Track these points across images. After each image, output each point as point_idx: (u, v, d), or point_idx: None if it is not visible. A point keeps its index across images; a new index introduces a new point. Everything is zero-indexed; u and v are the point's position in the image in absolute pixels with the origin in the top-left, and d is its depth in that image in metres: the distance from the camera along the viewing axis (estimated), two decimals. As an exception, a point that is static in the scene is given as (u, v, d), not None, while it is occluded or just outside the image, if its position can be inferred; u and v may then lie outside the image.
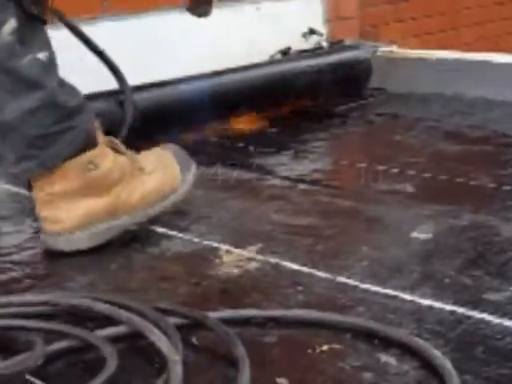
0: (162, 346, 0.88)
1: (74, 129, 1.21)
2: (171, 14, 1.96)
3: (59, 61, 1.40)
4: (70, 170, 1.22)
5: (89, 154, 1.23)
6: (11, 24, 1.15)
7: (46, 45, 1.22)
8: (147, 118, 1.75)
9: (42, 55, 1.19)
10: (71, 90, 1.24)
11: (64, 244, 1.24)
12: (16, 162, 1.21)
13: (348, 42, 2.36)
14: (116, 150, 1.29)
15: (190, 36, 2.02)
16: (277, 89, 2.05)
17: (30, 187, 1.26)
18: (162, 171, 1.33)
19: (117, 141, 1.31)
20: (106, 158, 1.26)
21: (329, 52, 2.27)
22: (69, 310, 1.01)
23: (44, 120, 1.19)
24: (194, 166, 1.40)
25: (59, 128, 1.20)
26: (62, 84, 1.23)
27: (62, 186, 1.22)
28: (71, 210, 1.23)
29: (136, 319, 0.94)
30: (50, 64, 1.21)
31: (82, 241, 1.24)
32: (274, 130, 1.95)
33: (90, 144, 1.24)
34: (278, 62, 2.19)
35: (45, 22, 1.21)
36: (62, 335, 0.95)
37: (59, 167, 1.21)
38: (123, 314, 0.95)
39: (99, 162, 1.24)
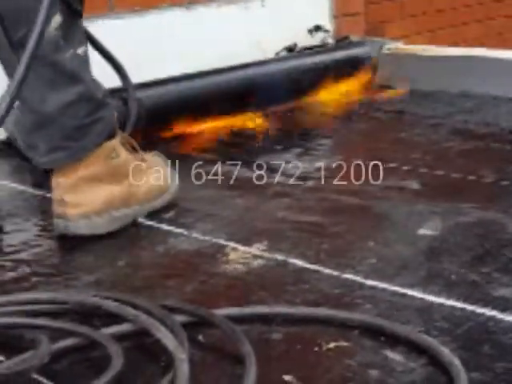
0: (168, 344, 0.87)
1: (103, 120, 1.28)
2: (175, 11, 1.95)
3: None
4: (96, 156, 1.27)
5: (114, 141, 1.30)
6: (57, 19, 1.20)
7: (84, 40, 1.28)
8: (152, 115, 1.75)
9: (81, 50, 1.25)
10: (97, 83, 1.30)
11: (85, 228, 1.26)
12: (47, 153, 1.26)
13: (354, 38, 2.35)
14: (125, 145, 1.35)
15: (195, 33, 2.02)
16: (282, 86, 2.05)
17: (48, 174, 1.29)
18: (157, 171, 1.40)
19: (127, 136, 1.37)
20: (121, 148, 1.32)
21: (334, 49, 2.26)
22: (76, 308, 1.01)
23: (80, 112, 1.24)
24: (174, 172, 1.45)
25: (91, 119, 1.26)
26: (92, 77, 1.28)
27: (88, 172, 1.27)
28: (94, 194, 1.27)
29: (143, 317, 0.93)
30: (87, 59, 1.27)
31: (102, 225, 1.28)
32: (279, 127, 1.94)
33: (114, 132, 1.30)
34: (284, 58, 2.18)
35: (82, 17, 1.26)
36: (68, 333, 0.95)
37: (88, 154, 1.26)
38: (130, 311, 0.95)
39: (119, 151, 1.31)
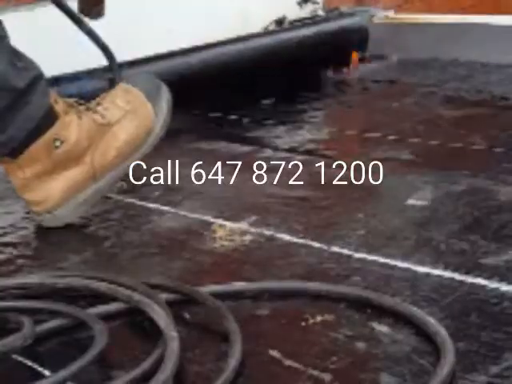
0: (159, 322, 0.87)
1: (30, 105, 1.16)
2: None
3: (48, 38, 1.39)
4: (36, 152, 1.18)
5: (51, 131, 1.19)
6: None
7: None
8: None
9: None
10: (26, 63, 1.17)
11: (51, 222, 1.23)
12: None
13: (344, 9, 2.32)
14: (78, 111, 1.24)
15: (182, 8, 1.99)
16: (271, 59, 2.03)
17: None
18: (132, 115, 1.25)
19: (75, 100, 1.26)
20: (70, 128, 1.21)
21: (323, 20, 2.23)
22: (62, 290, 1.00)
23: None
24: (164, 90, 1.30)
25: (13, 110, 1.16)
26: (15, 58, 1.17)
27: (33, 170, 1.20)
28: (50, 188, 1.21)
29: (135, 295, 0.92)
30: (3, 44, 1.15)
31: (68, 214, 1.23)
32: (268, 101, 1.92)
33: (50, 120, 1.19)
34: (273, 32, 2.15)
35: None
36: (53, 314, 0.94)
37: (25, 152, 1.18)
38: (121, 291, 0.94)
39: (64, 135, 1.20)
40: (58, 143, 1.19)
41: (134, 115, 1.25)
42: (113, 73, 1.58)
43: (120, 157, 1.25)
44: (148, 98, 1.28)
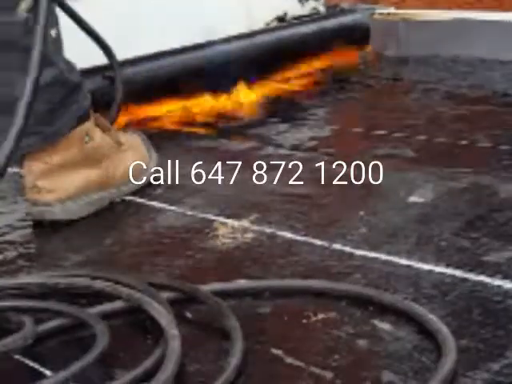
0: (161, 321, 0.87)
1: (77, 104, 1.25)
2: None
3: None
4: (69, 141, 1.25)
5: (86, 126, 1.27)
6: (28, 1, 1.14)
7: (56, 21, 1.24)
8: (138, 91, 1.73)
9: (52, 32, 1.21)
10: (71, 65, 1.27)
11: (60, 213, 1.25)
12: None
13: (344, 5, 2.31)
14: (100, 126, 1.32)
15: (183, 5, 1.98)
16: (274, 56, 2.02)
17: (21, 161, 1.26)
18: (134, 150, 1.37)
19: (100, 117, 1.34)
20: (96, 131, 1.30)
21: (324, 17, 2.23)
22: (64, 289, 1.00)
23: (53, 96, 1.22)
24: (152, 146, 1.43)
25: (65, 103, 1.23)
26: (65, 60, 1.26)
27: (62, 157, 1.25)
28: (69, 179, 1.25)
29: (136, 294, 0.92)
30: (59, 40, 1.24)
31: (77, 210, 1.26)
32: (271, 98, 1.92)
33: (88, 116, 1.28)
34: (274, 29, 2.15)
35: None
36: (55, 313, 0.94)
37: (60, 139, 1.24)
38: (123, 290, 0.94)
39: (93, 134, 1.29)
40: (87, 139, 1.27)
41: (136, 151, 1.38)
42: (113, 71, 1.58)
43: (125, 177, 1.34)
44: (143, 143, 1.42)
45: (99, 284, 0.97)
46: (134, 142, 1.40)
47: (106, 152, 1.31)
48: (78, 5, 1.48)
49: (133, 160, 1.36)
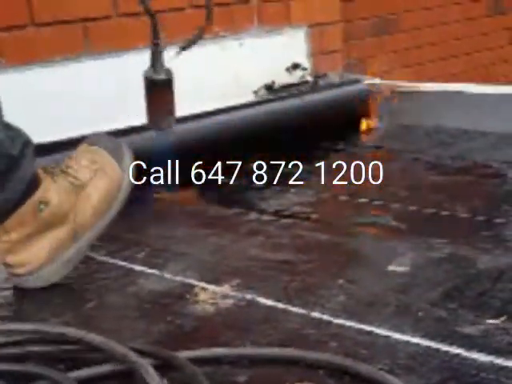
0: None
1: (20, 175, 1.19)
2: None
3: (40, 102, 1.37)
4: (22, 215, 1.21)
5: (37, 195, 1.21)
6: None
7: None
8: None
9: None
10: (15, 132, 1.20)
11: (36, 282, 1.24)
12: None
13: (332, 75, 2.37)
14: (51, 174, 1.26)
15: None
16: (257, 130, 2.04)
17: None
18: (101, 173, 1.29)
19: (49, 165, 1.28)
20: (51, 192, 1.23)
21: (313, 90, 2.27)
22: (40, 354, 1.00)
23: None
24: (125, 147, 1.33)
25: (6, 177, 1.18)
26: (6, 128, 1.19)
27: (19, 233, 1.21)
28: (35, 249, 1.23)
29: (133, 356, 0.92)
30: None
31: (53, 274, 1.25)
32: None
33: (36, 184, 1.22)
34: (264, 101, 2.18)
35: None
36: (34, 377, 0.94)
37: (13, 215, 1.20)
38: (118, 349, 0.94)
39: (47, 198, 1.22)
40: (42, 206, 1.22)
41: (102, 173, 1.28)
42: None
43: (97, 215, 1.27)
44: (112, 155, 1.31)
45: (99, 343, 0.96)
46: (98, 159, 1.29)
47: (67, 206, 1.24)
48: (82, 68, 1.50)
49: (100, 190, 1.27)
